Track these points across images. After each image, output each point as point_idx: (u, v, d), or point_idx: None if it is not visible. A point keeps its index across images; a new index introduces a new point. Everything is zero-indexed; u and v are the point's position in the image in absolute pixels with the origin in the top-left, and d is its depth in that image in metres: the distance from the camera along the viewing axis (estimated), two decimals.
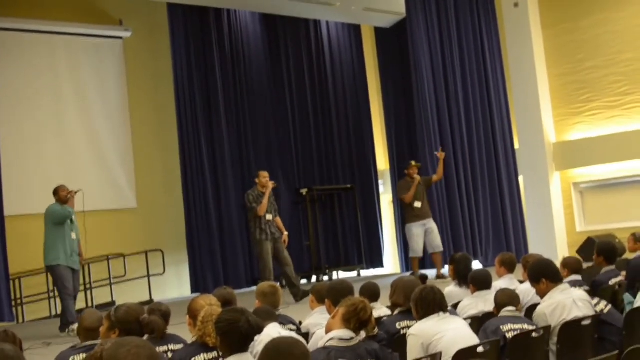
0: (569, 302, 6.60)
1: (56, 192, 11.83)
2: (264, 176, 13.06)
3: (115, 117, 17.72)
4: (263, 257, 12.80)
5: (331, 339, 5.18)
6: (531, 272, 7.01)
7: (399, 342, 6.16)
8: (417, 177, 15.08)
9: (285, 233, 13.17)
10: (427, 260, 17.07)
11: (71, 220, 11.69)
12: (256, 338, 4.90)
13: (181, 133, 16.90)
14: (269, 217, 12.93)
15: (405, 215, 15.46)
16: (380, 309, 7.28)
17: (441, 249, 15.16)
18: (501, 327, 6.24)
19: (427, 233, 15.03)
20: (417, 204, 14.99)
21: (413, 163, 15.31)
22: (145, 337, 5.77)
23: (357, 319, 5.27)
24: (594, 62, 18.25)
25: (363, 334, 5.44)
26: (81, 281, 16.21)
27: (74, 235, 11.69)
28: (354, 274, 18.52)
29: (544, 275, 6.85)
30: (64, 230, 11.57)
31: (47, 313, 15.82)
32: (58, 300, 15.68)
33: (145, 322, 5.79)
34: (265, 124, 18.44)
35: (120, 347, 3.34)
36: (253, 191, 13.02)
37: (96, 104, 17.47)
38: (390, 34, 19.33)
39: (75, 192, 11.88)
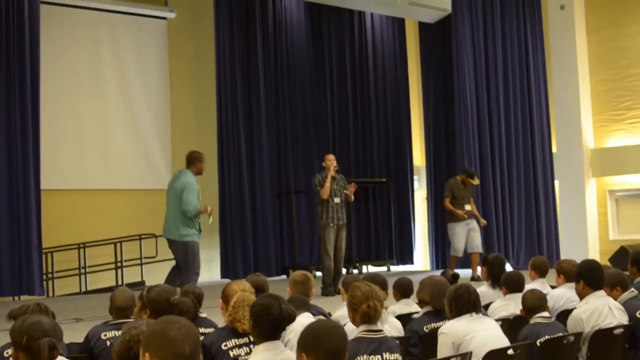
0: (605, 309, 6.59)
1: (195, 159, 11.15)
2: (329, 159, 12.64)
3: (154, 98, 17.79)
4: (324, 243, 12.39)
5: (361, 330, 5.18)
6: (579, 270, 7.00)
7: (428, 340, 6.15)
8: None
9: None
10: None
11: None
12: (288, 327, 4.91)
13: (220, 118, 16.83)
14: (337, 200, 12.51)
15: (448, 214, 15.15)
16: (412, 305, 7.29)
17: (480, 249, 14.92)
18: (539, 338, 6.20)
19: (469, 232, 14.80)
20: (467, 207, 14.78)
21: (476, 178, 15.00)
22: None
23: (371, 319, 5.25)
24: (637, 70, 18.07)
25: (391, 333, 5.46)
26: (112, 259, 16.44)
27: None
28: (383, 268, 18.43)
29: (584, 277, 6.84)
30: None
31: (77, 289, 15.92)
32: (89, 276, 15.89)
33: (174, 303, 5.81)
34: (304, 113, 18.41)
35: (170, 324, 3.35)
36: (320, 174, 12.67)
37: (136, 83, 17.54)
38: (434, 30, 19.21)
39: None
